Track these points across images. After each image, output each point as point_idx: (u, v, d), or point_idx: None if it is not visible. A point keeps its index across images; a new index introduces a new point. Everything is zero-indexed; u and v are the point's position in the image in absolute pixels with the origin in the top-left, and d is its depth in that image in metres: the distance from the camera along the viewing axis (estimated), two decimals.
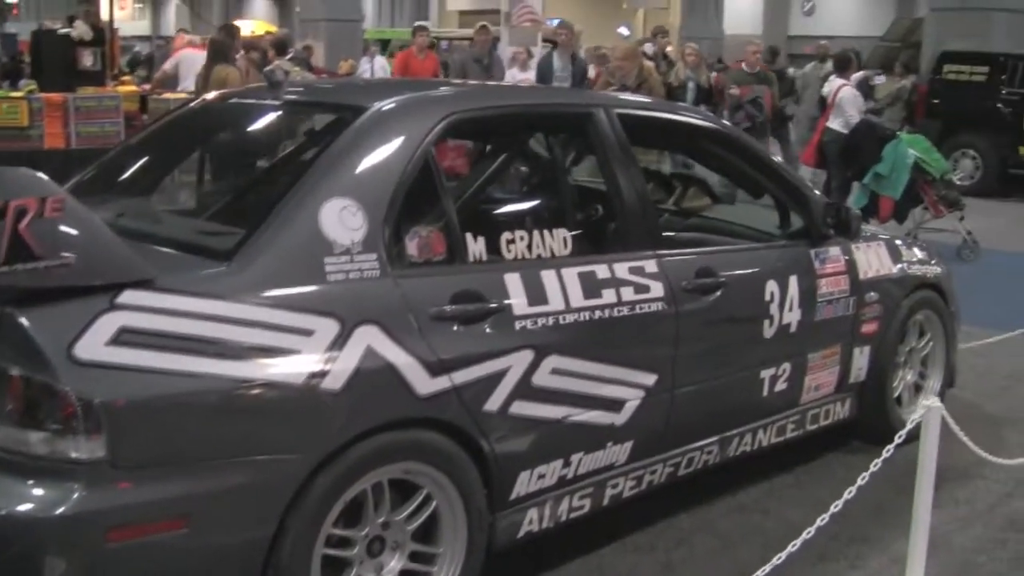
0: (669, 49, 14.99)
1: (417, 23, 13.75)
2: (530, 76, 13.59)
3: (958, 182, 12.85)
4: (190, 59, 11.88)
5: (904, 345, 5.51)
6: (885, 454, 3.95)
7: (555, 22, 15.42)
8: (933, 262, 5.74)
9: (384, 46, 32.09)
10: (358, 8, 28.08)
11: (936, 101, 16.23)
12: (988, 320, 7.77)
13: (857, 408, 5.32)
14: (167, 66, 12.99)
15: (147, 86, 13.21)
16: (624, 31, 36.62)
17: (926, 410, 3.75)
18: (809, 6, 50.76)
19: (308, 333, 3.16)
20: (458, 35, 31.87)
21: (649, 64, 11.42)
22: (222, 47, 10.46)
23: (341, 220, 3.35)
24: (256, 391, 3.04)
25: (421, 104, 3.89)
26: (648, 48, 13.95)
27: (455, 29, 40.29)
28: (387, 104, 3.76)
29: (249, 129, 4.42)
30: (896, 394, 5.49)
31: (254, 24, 44.87)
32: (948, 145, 14.95)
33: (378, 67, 20.09)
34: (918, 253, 5.69)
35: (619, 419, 4.00)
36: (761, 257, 4.75)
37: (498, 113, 4.17)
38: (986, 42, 17.87)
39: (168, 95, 11.05)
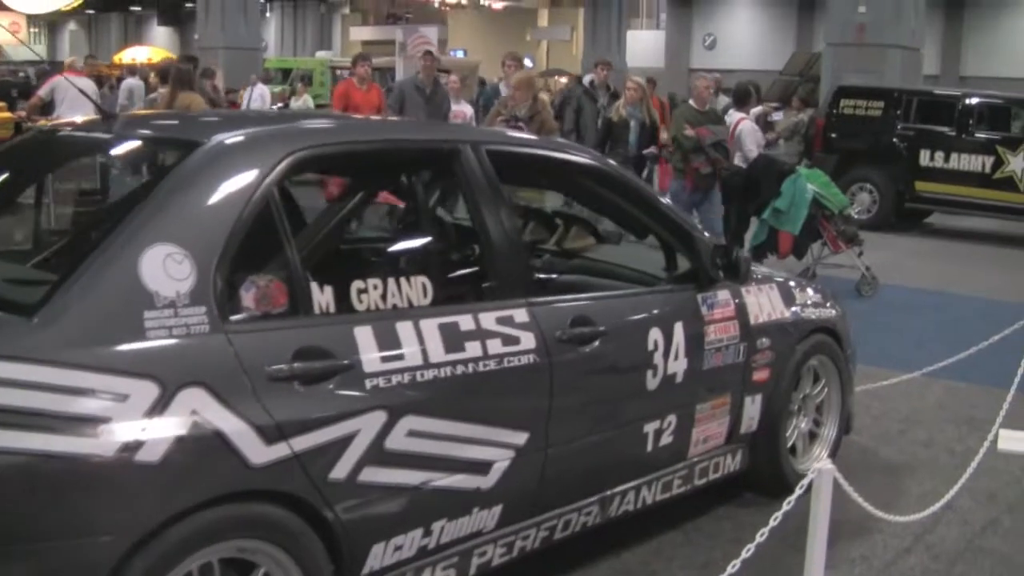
0: (636, 80, 13.94)
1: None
2: (464, 109, 12.76)
3: (855, 216, 12.79)
4: (64, 86, 11.41)
5: (798, 392, 5.25)
6: (778, 516, 3.68)
7: (458, 53, 15.11)
8: (828, 304, 5.50)
9: (285, 75, 31.66)
10: (258, 36, 27.64)
11: (833, 135, 16.24)
12: (886, 360, 7.63)
13: (749, 460, 5.04)
14: (41, 92, 12.55)
15: (22, 112, 12.75)
16: (527, 63, 36.59)
17: (817, 472, 3.46)
18: (710, 40, 51.35)
19: (122, 398, 2.79)
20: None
21: (544, 97, 11.10)
22: (185, 75, 10.62)
23: (165, 269, 2.98)
24: (60, 466, 2.67)
25: (262, 140, 3.51)
26: (588, 79, 13.15)
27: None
28: (224, 140, 3.39)
29: (74, 165, 4.03)
30: (790, 444, 5.22)
31: (150, 51, 44.15)
32: (845, 179, 14.95)
33: (256, 96, 19.11)
34: (812, 295, 5.45)
35: (486, 482, 3.66)
36: (644, 303, 4.45)
37: (350, 150, 3.80)
38: (881, 77, 18.02)
39: (43, 122, 10.58)
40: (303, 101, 20.65)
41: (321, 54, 43.19)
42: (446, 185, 4.42)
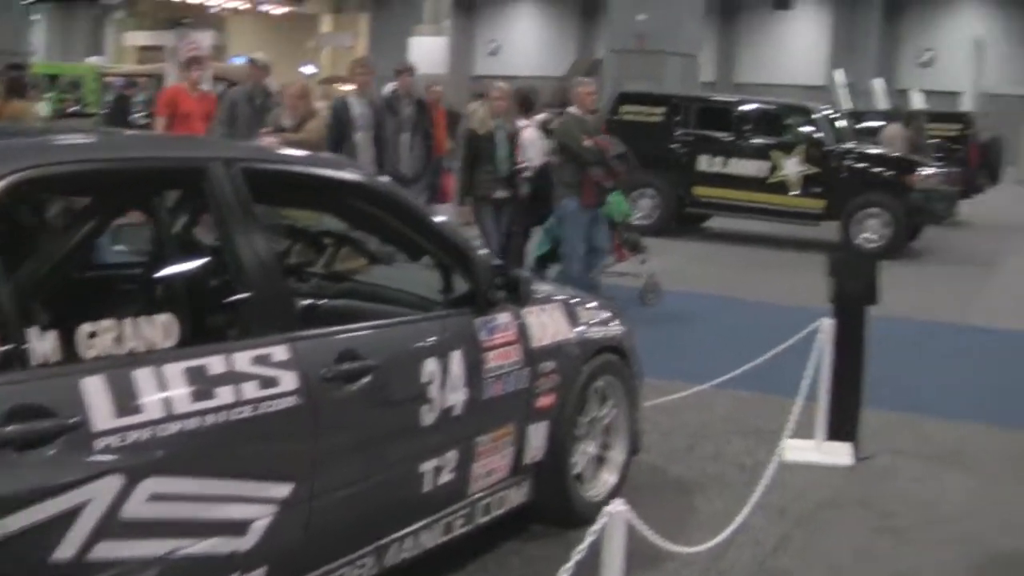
0: (436, 89, 13.17)
1: (191, 54, 11.41)
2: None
3: (637, 221, 12.81)
4: None
5: (584, 416, 5.00)
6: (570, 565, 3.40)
7: (241, 60, 14.32)
8: (613, 321, 5.30)
9: (52, 80, 30.10)
10: (26, 39, 26.11)
11: None
12: (674, 372, 7.53)
13: (535, 491, 4.78)
14: None
15: None
16: (310, 69, 35.92)
17: (609, 517, 3.20)
18: (494, 46, 51.64)
19: None
20: (137, 71, 30.27)
21: (318, 106, 10.51)
22: (16, 83, 10.39)
23: None
24: None
25: None
26: (389, 88, 11.62)
27: (135, 65, 38.55)
28: None
29: None
30: (577, 471, 4.98)
31: None
32: (627, 184, 15.01)
33: None
34: (597, 313, 5.23)
35: (245, 543, 3.27)
36: (418, 331, 4.13)
37: (83, 169, 3.32)
38: (661, 83, 18.28)
39: None
40: (38, 108, 19.16)
41: (92, 60, 41.35)
42: (197, 207, 3.99)
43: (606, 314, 5.29)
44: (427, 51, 40.56)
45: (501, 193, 10.19)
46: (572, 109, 10.08)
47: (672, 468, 5.98)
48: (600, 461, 5.19)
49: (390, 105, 10.70)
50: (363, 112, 10.34)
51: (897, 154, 16.60)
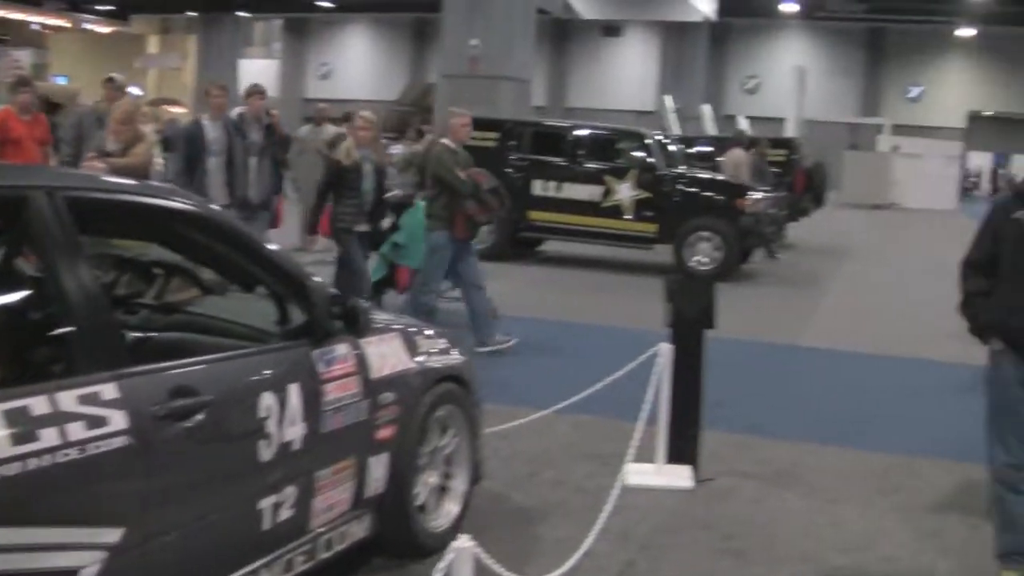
0: (275, 113, 12.21)
1: (15, 74, 10.65)
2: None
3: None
4: None
5: (425, 447, 4.93)
6: None
7: (62, 80, 13.86)
8: (453, 350, 5.25)
9: None
10: None
11: None
12: (515, 397, 7.55)
13: (378, 524, 4.69)
14: None
15: None
16: (136, 91, 34.99)
17: (456, 553, 3.13)
18: (325, 69, 51.27)
19: None
20: None
21: (145, 129, 10.13)
22: None
23: None
24: None
25: None
26: (236, 112, 11.00)
27: None
28: None
29: None
30: (419, 502, 4.90)
31: None
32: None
33: None
34: (437, 342, 5.17)
35: None
36: (254, 365, 3.99)
37: None
38: (494, 108, 18.34)
39: None
40: None
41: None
42: (18, 238, 3.78)
43: (445, 343, 5.23)
44: (257, 74, 39.94)
45: (363, 227, 9.89)
46: (445, 140, 9.90)
47: (515, 496, 5.94)
48: (442, 491, 5.13)
49: (238, 129, 10.27)
50: (217, 136, 9.99)
51: (727, 178, 17.01)
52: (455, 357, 5.20)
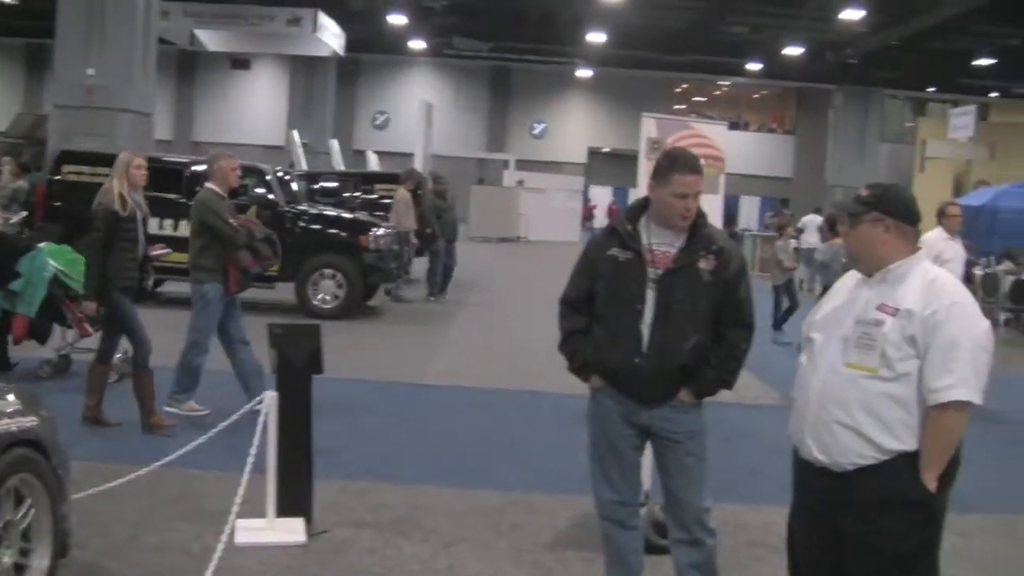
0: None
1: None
2: None
3: None
4: None
5: None
6: None
7: None
8: (29, 411, 4.76)
9: None
10: None
11: (57, 203, 15.32)
12: (116, 453, 7.08)
13: None
14: None
15: None
16: None
17: None
18: None
19: None
20: None
21: None
22: None
23: None
24: None
25: None
26: None
27: None
28: None
29: None
30: None
31: None
32: (76, 249, 14.19)
33: None
34: (9, 402, 4.68)
35: None
36: None
37: None
38: (113, 141, 17.46)
39: None
40: None
41: None
42: None
43: (17, 404, 4.74)
44: None
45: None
46: (211, 185, 8.93)
47: (111, 565, 5.49)
48: (20, 570, 4.63)
49: None
50: None
51: (350, 215, 16.88)
52: (30, 419, 4.72)
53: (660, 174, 4.71)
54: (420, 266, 19.44)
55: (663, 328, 4.62)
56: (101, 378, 8.43)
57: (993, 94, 43.30)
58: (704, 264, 4.68)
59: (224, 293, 8.82)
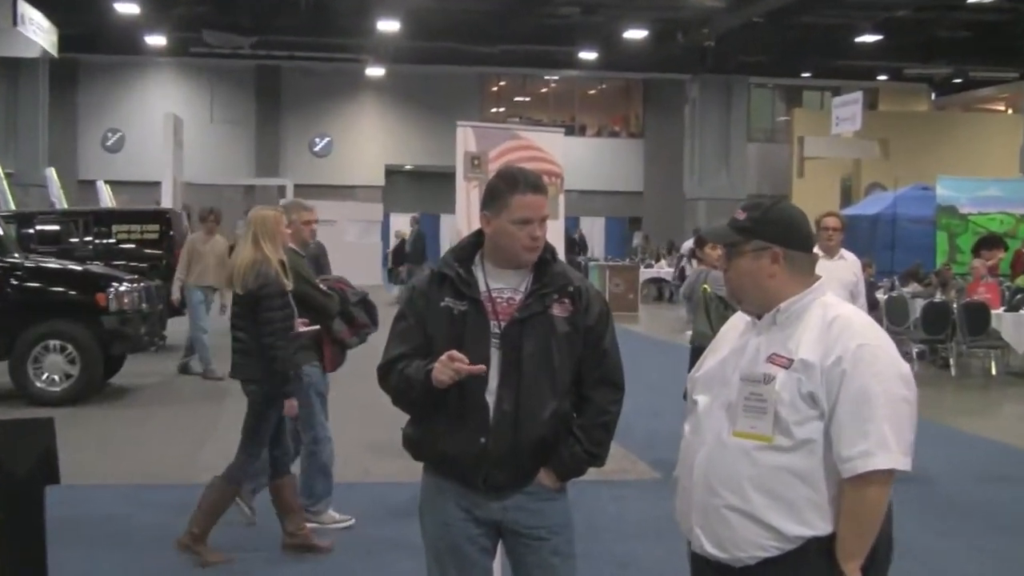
0: None
1: None
2: None
3: None
4: None
5: None
6: None
7: None
8: None
9: None
10: None
11: None
12: None
13: None
14: None
15: None
16: None
17: None
18: None
19: None
20: None
21: None
22: None
23: None
24: None
25: None
26: None
27: None
28: None
29: None
30: None
31: None
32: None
33: None
34: None
35: None
36: None
37: None
38: None
39: None
40: None
41: None
42: None
43: None
44: None
45: None
46: (289, 244, 8.51)
47: None
48: None
49: None
50: None
51: (80, 267, 16.38)
52: None
53: (495, 199, 4.64)
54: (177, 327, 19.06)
55: (513, 394, 4.53)
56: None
57: (882, 77, 44.97)
58: (558, 310, 4.63)
59: (324, 374, 8.92)
